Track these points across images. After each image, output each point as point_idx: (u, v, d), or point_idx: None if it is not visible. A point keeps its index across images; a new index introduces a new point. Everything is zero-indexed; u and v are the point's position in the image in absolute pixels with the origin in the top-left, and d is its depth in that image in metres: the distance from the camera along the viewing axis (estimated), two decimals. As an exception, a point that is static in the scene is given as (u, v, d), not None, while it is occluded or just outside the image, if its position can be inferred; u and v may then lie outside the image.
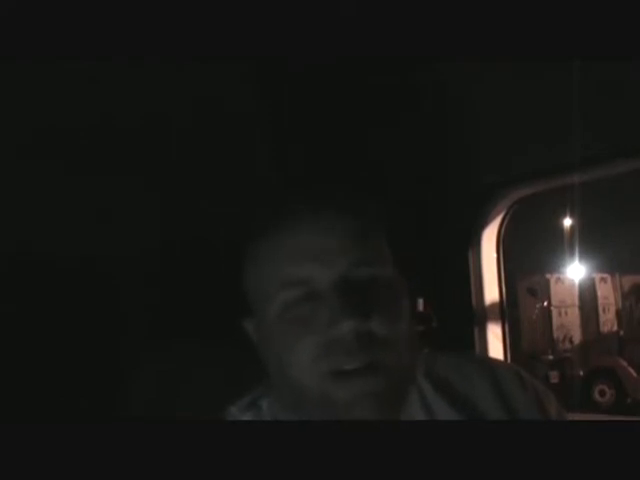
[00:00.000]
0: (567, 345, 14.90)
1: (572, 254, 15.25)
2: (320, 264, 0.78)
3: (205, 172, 1.56)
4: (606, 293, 15.74)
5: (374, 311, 0.77)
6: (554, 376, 12.81)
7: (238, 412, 0.88)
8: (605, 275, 15.88)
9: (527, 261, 14.13)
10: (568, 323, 15.40)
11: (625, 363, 12.52)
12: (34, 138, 1.40)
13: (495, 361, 1.13)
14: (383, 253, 0.82)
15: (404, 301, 0.82)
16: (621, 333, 13.56)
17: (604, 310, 15.55)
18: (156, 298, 1.52)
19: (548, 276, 15.56)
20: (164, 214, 1.53)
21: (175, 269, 1.52)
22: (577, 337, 15.15)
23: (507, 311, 1.69)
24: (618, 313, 14.51)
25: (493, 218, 1.62)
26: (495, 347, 1.63)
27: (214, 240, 1.50)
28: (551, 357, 14.21)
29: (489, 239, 1.64)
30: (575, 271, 15.85)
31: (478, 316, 1.63)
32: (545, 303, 15.40)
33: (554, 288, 15.49)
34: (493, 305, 1.65)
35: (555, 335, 15.12)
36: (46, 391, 1.36)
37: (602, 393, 12.38)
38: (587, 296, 15.67)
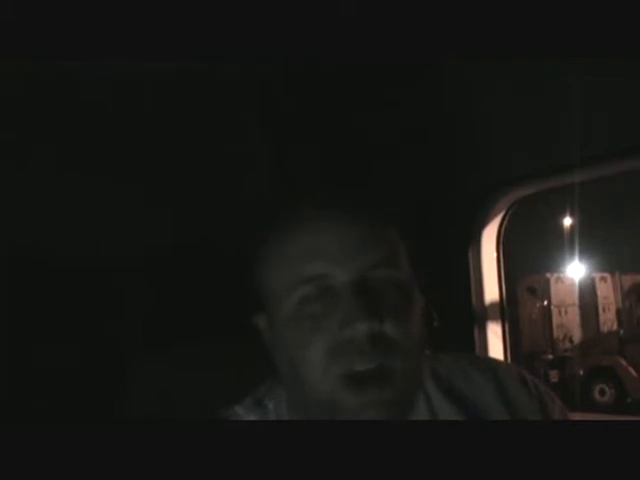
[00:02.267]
0: (567, 344, 14.91)
1: (572, 253, 15.27)
2: (337, 262, 0.78)
3: (205, 172, 1.56)
4: (606, 292, 15.75)
5: (388, 313, 0.77)
6: (554, 375, 12.82)
7: (243, 412, 0.88)
8: (605, 274, 15.90)
9: (527, 261, 14.14)
10: (568, 322, 15.41)
11: (625, 362, 12.53)
12: (35, 138, 1.40)
13: (498, 362, 1.13)
14: (399, 255, 0.82)
15: (417, 304, 0.82)
16: (621, 332, 13.55)
17: (604, 309, 15.56)
18: (157, 298, 1.52)
19: (548, 275, 15.57)
20: (164, 214, 1.53)
21: (175, 269, 1.52)
22: (577, 336, 15.16)
23: (507, 310, 1.68)
24: (618, 312, 14.51)
25: (493, 218, 1.62)
26: (495, 346, 1.62)
27: (214, 240, 1.50)
28: (551, 356, 14.22)
29: (489, 239, 1.63)
30: (575, 270, 15.87)
31: (478, 316, 1.63)
32: (545, 302, 15.41)
33: (554, 287, 15.50)
34: (493, 304, 1.65)
35: (555, 334, 15.13)
36: (46, 391, 1.36)
37: (602, 392, 12.38)
38: (587, 295, 15.68)
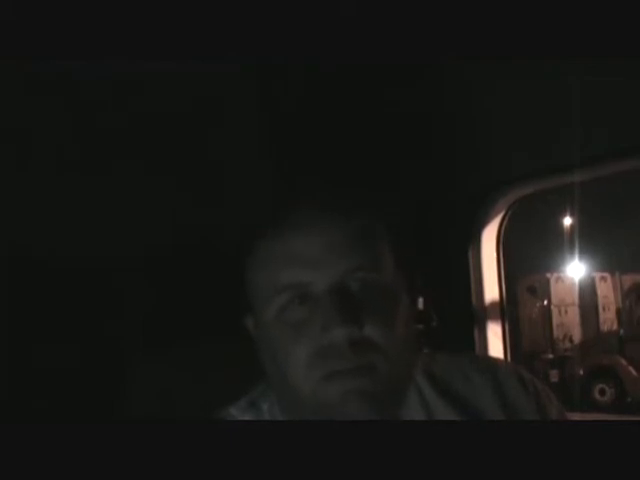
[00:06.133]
0: (567, 344, 14.90)
1: (572, 253, 15.26)
2: (316, 268, 0.78)
3: (205, 172, 1.56)
4: (606, 292, 15.73)
5: (368, 317, 0.77)
6: (554, 375, 12.81)
7: (237, 413, 0.88)
8: (605, 274, 15.88)
9: (527, 260, 14.14)
10: (568, 322, 15.39)
11: (625, 362, 12.52)
12: (35, 138, 1.40)
13: (495, 360, 1.13)
14: (382, 257, 0.82)
15: (402, 305, 0.82)
16: (621, 332, 13.53)
17: (604, 309, 15.55)
18: (157, 298, 1.52)
19: (548, 275, 15.56)
20: (164, 214, 1.53)
21: (175, 269, 1.52)
22: (577, 336, 15.15)
23: (507, 310, 1.69)
24: (618, 312, 14.48)
25: (493, 218, 1.62)
26: (495, 346, 1.63)
27: (214, 240, 1.50)
28: (551, 356, 14.21)
29: (489, 239, 1.64)
30: (575, 270, 15.86)
31: (478, 315, 1.63)
32: (545, 302, 15.39)
33: (554, 287, 15.48)
34: (493, 304, 1.65)
35: (555, 334, 15.12)
36: (46, 391, 1.36)
37: (602, 392, 12.38)
38: (587, 295, 15.66)
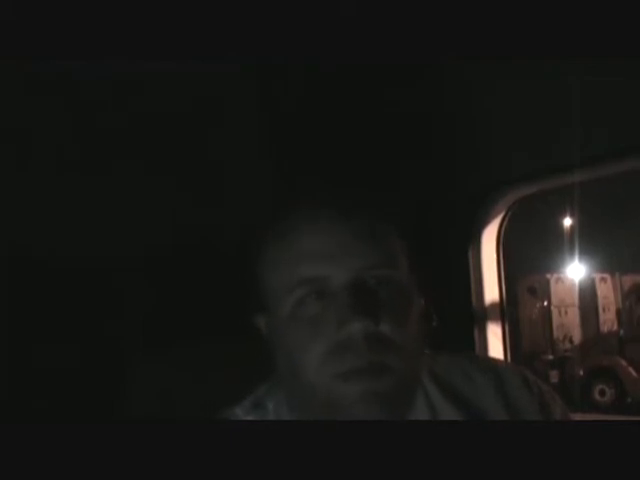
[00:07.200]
0: (567, 345, 14.91)
1: (572, 254, 15.27)
2: (334, 263, 0.79)
3: (205, 172, 1.56)
4: (606, 293, 15.76)
5: (384, 313, 0.77)
6: (554, 376, 12.81)
7: (242, 413, 0.88)
8: (605, 275, 15.91)
9: (527, 261, 14.15)
10: (568, 323, 15.41)
11: (625, 363, 12.52)
12: (35, 138, 1.40)
13: (499, 362, 1.13)
14: (397, 255, 0.83)
15: (415, 303, 0.83)
16: (621, 333, 13.54)
17: (604, 310, 15.57)
18: (157, 298, 1.52)
19: (548, 276, 15.57)
20: (164, 214, 1.53)
21: (175, 269, 1.52)
22: (577, 337, 15.16)
23: (507, 311, 1.68)
24: (618, 313, 14.49)
25: (493, 218, 1.62)
26: (495, 347, 1.62)
27: (214, 240, 1.50)
28: (551, 357, 14.22)
29: (489, 239, 1.63)
30: (575, 271, 15.87)
31: (478, 316, 1.63)
32: (545, 303, 15.41)
33: (554, 288, 15.50)
34: (493, 305, 1.65)
35: (555, 335, 15.13)
36: (46, 391, 1.36)
37: (602, 393, 12.38)
38: (587, 296, 15.68)
